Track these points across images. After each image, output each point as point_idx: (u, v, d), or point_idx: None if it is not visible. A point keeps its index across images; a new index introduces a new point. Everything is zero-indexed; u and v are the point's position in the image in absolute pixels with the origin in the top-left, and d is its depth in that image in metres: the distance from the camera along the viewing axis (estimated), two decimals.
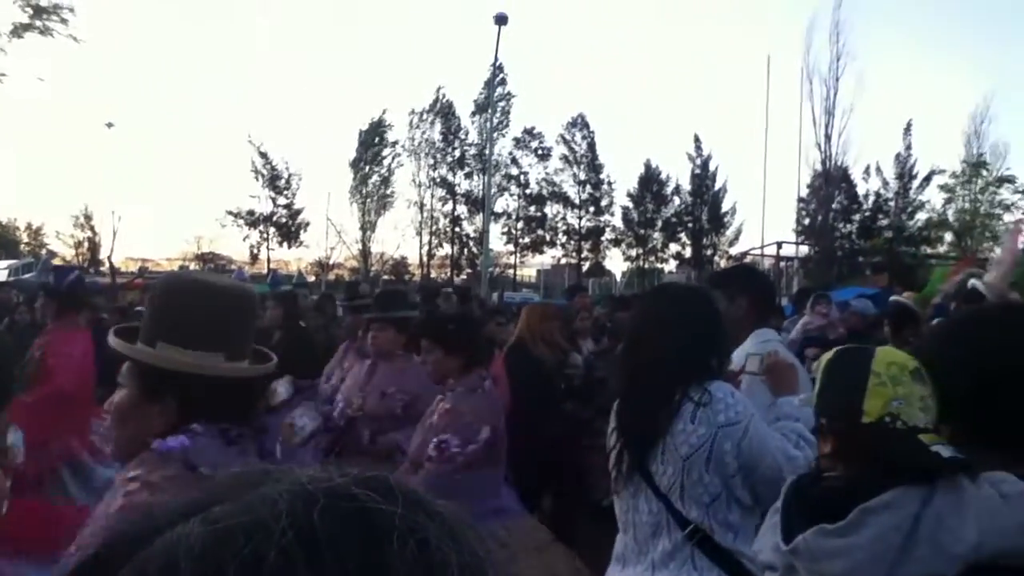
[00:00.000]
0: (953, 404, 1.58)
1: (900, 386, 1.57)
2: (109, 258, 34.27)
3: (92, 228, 43.08)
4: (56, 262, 36.19)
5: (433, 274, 42.56)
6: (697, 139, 41.78)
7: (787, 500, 1.64)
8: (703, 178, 41.76)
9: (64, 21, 20.70)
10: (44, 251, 37.52)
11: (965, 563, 1.35)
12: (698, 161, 41.84)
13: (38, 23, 20.40)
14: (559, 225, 42.91)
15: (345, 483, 0.43)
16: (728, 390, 2.44)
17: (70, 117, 70.90)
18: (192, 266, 40.86)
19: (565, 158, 42.53)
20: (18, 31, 20.27)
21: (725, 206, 42.02)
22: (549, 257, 43.66)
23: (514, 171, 42.08)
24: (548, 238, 42.78)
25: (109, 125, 37.65)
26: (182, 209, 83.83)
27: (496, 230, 40.67)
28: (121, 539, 0.43)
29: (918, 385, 1.58)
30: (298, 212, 41.71)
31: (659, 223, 42.69)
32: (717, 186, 41.88)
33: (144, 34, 71.33)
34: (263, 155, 40.71)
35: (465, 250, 42.31)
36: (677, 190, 42.56)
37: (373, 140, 41.22)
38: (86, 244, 43.81)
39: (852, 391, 1.60)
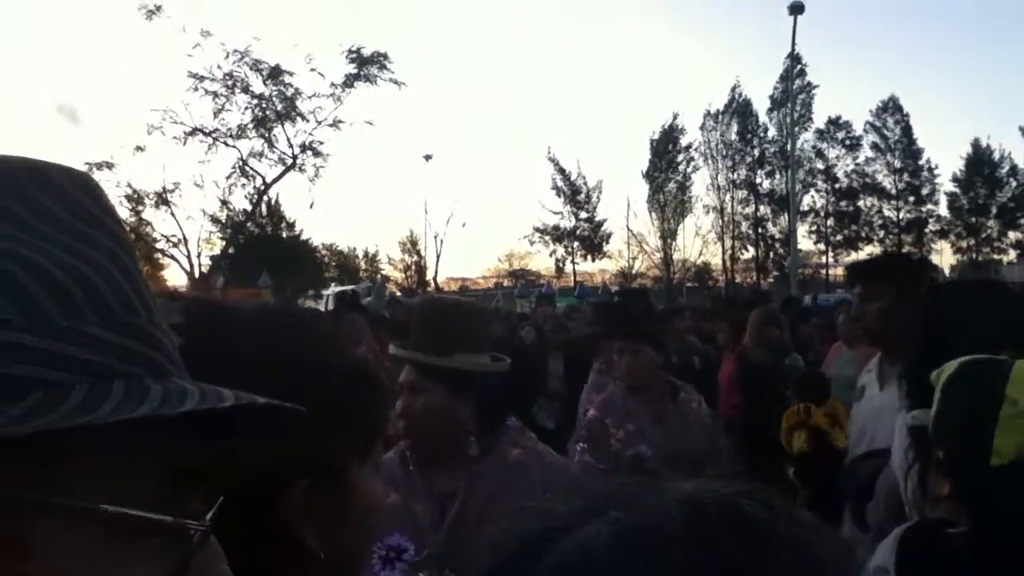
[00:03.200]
0: None
1: None
2: (435, 279, 37.34)
3: (418, 252, 47.16)
4: (390, 286, 40.35)
5: (738, 279, 41.48)
6: None
7: (900, 559, 1.32)
8: None
9: (383, 67, 23.00)
10: (379, 276, 41.69)
11: None
12: None
13: (363, 72, 22.86)
14: (874, 219, 39.98)
15: (730, 494, 0.45)
16: None
17: (393, 152, 78.54)
18: (506, 282, 43.25)
19: (876, 146, 39.63)
20: (349, 81, 22.86)
21: None
22: (865, 254, 40.82)
23: (820, 165, 39.94)
24: (863, 234, 40.01)
25: (427, 157, 41.07)
26: (495, 229, 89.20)
27: (803, 229, 38.82)
28: (524, 540, 0.45)
29: None
30: (600, 224, 42.74)
31: (994, 209, 38.23)
32: None
33: (448, 70, 77.27)
34: (562, 171, 42.26)
35: (771, 252, 40.77)
36: (1013, 171, 37.91)
37: (666, 147, 41.14)
38: (413, 267, 48.00)
39: (978, 421, 1.25)
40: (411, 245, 47.35)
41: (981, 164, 38.32)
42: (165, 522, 0.45)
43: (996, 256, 38.81)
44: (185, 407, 0.44)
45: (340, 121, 23.22)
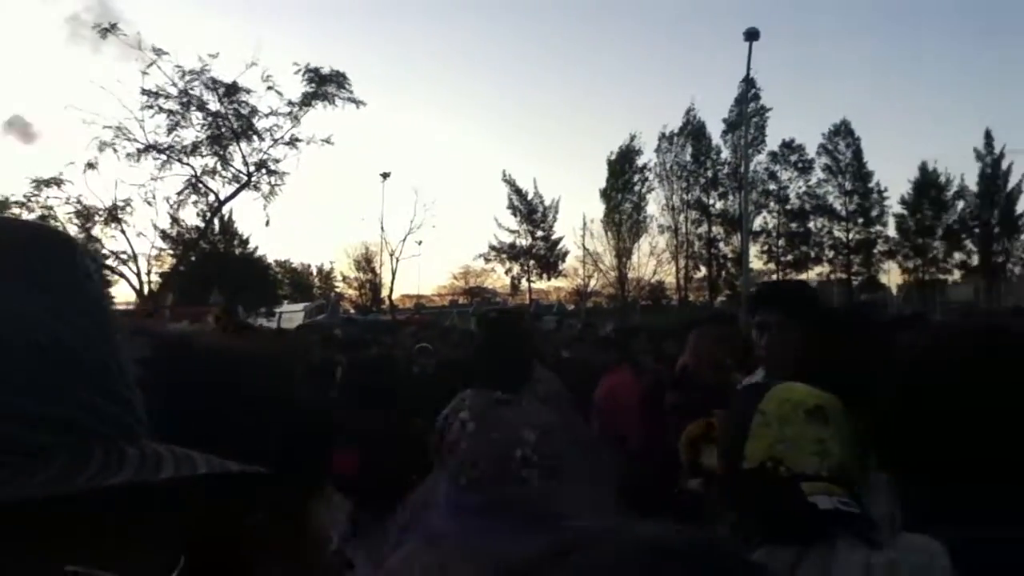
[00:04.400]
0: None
1: (788, 427, 1.35)
2: (389, 297, 37.12)
3: (373, 270, 46.92)
4: (344, 304, 40.05)
5: (691, 297, 41.89)
6: (988, 135, 38.06)
7: None
8: (994, 177, 37.81)
9: (342, 86, 22.89)
10: (333, 294, 41.33)
11: None
12: (988, 159, 38.00)
13: (321, 91, 22.72)
14: (824, 240, 40.72)
15: (691, 540, 0.45)
16: None
17: (351, 170, 78.20)
18: (461, 300, 43.18)
19: (828, 168, 40.45)
20: (307, 100, 22.71)
21: (1020, 207, 37.78)
22: (814, 274, 41.52)
23: (772, 187, 40.61)
24: (813, 254, 40.71)
25: (385, 175, 41.00)
26: (451, 247, 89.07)
27: (755, 249, 39.39)
28: None
29: (814, 427, 1.36)
30: (556, 243, 42.95)
31: (940, 230, 39.16)
32: (1010, 185, 37.79)
33: (408, 90, 77.29)
34: (518, 191, 42.43)
35: (723, 272, 41.30)
36: (960, 193, 38.92)
37: (623, 167, 41.55)
38: (368, 285, 47.69)
39: (738, 431, 1.40)
40: (366, 263, 47.10)
41: (928, 187, 39.24)
42: None
43: (941, 276, 39.70)
44: (163, 475, 0.43)
45: (297, 140, 23.04)
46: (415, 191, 34.33)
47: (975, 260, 38.84)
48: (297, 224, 76.63)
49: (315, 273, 51.84)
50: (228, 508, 0.64)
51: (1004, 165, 37.91)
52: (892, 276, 40.97)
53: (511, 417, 2.69)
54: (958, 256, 39.64)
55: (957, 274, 39.64)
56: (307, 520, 0.80)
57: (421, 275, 58.13)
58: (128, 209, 22.00)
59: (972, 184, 38.64)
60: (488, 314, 5.82)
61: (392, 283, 36.03)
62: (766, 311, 2.92)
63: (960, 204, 39.18)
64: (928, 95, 59.09)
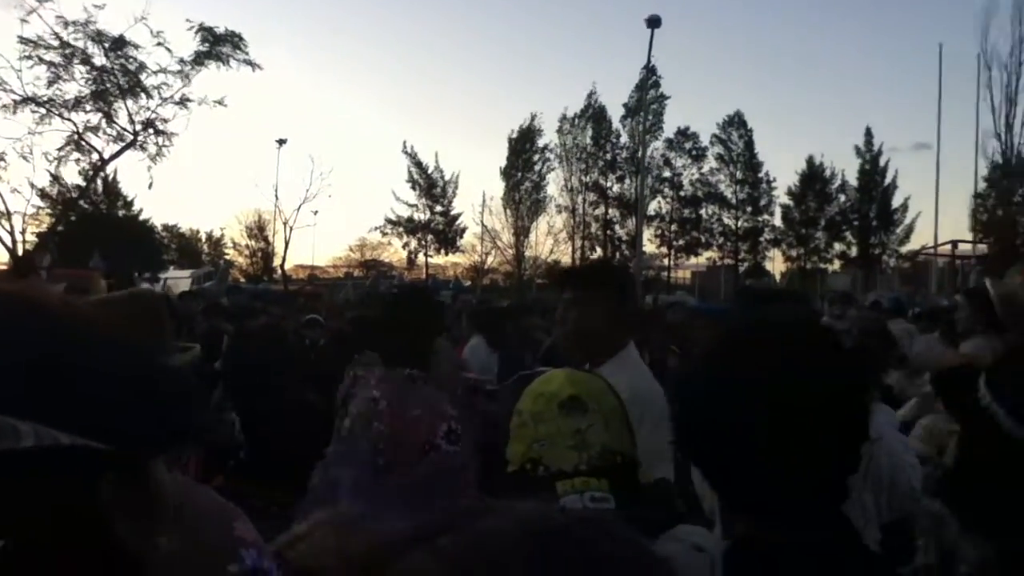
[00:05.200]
0: None
1: (544, 424, 1.31)
2: (282, 266, 36.18)
3: (265, 239, 45.66)
4: (234, 272, 38.76)
5: None
6: (869, 132, 39.86)
7: None
8: (872, 173, 39.67)
9: (237, 48, 22.07)
10: (222, 261, 40.04)
11: None
12: (867, 156, 39.83)
13: (215, 51, 21.85)
14: (715, 226, 41.92)
15: (566, 520, 0.44)
16: None
17: (246, 135, 75.70)
18: (356, 273, 42.56)
19: (721, 157, 41.56)
20: (200, 59, 21.79)
21: (895, 202, 39.79)
22: (704, 259, 42.76)
23: (667, 173, 41.48)
24: (703, 240, 41.87)
25: (281, 142, 39.84)
26: (348, 219, 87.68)
27: (649, 233, 40.24)
28: (349, 562, 0.45)
29: (570, 419, 1.31)
30: (454, 219, 42.75)
31: (822, 222, 40.88)
32: (887, 181, 39.72)
33: (307, 55, 75.34)
34: (418, 164, 41.98)
35: (618, 253, 42.06)
36: (843, 187, 40.68)
37: (523, 146, 41.66)
38: (260, 254, 46.41)
39: (503, 433, 1.36)
40: (258, 230, 45.84)
41: (814, 179, 40.79)
42: None
43: (822, 265, 41.40)
44: None
45: (188, 99, 22.08)
46: (311, 159, 33.45)
47: (854, 251, 40.67)
48: (187, 188, 74.05)
49: (204, 239, 50.20)
50: (67, 476, 0.60)
51: (882, 162, 39.82)
52: (776, 263, 42.54)
53: (429, 395, 2.63)
54: (838, 247, 41.35)
55: (837, 264, 41.42)
56: (157, 483, 0.76)
57: (316, 246, 57.07)
58: (2, 163, 20.72)
59: (853, 179, 40.38)
60: (394, 290, 5.70)
61: (285, 252, 35.21)
62: (566, 289, 2.83)
63: (842, 197, 40.85)
64: (817, 92, 61.56)
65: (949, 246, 30.89)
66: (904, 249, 39.41)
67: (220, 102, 22.14)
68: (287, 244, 34.39)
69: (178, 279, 29.42)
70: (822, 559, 1.13)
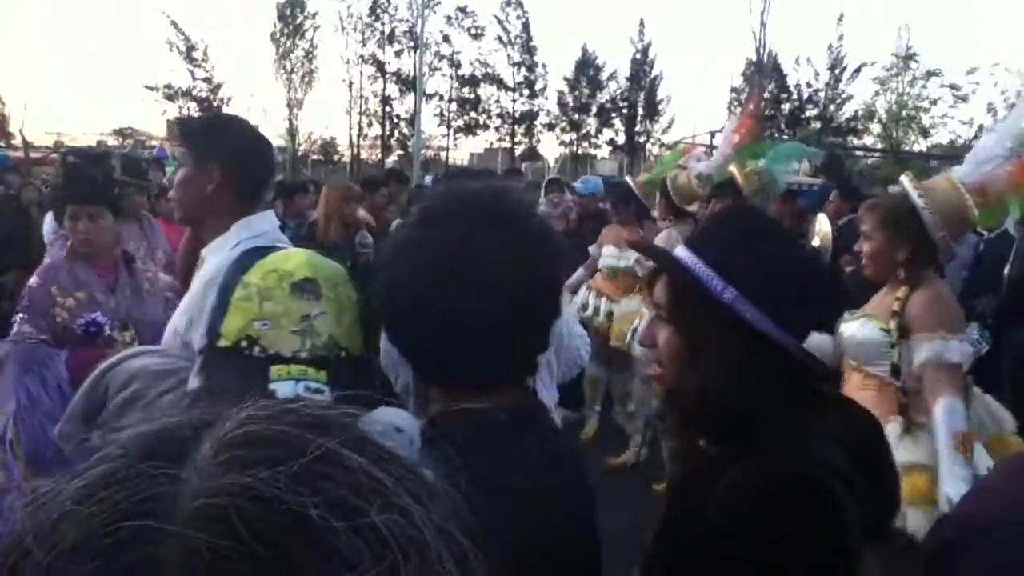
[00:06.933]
0: None
1: (270, 302, 1.25)
2: (21, 131, 32.27)
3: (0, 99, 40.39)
4: None
5: (364, 155, 41.49)
6: (642, 23, 41.01)
7: None
8: (642, 64, 41.16)
9: None
10: None
11: None
12: (639, 46, 41.16)
13: None
14: (493, 108, 42.07)
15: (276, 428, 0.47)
16: None
17: None
18: (110, 141, 38.83)
19: (499, 39, 41.34)
20: None
21: (661, 94, 41.71)
22: (483, 140, 42.99)
23: (446, 50, 40.77)
24: (482, 121, 41.97)
25: None
26: (100, 83, 79.06)
27: (428, 111, 39.66)
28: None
29: (300, 301, 1.25)
30: (218, 87, 39.76)
31: (594, 108, 42.17)
32: (654, 73, 41.43)
33: None
34: (175, 25, 38.37)
35: (396, 131, 41.28)
36: (614, 76, 41.98)
37: (293, 12, 39.12)
38: None
39: (219, 304, 1.29)
40: None
41: (587, 67, 41.76)
42: None
43: (592, 151, 43.05)
44: None
45: None
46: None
47: (621, 138, 42.47)
48: None
49: None
50: None
51: (651, 54, 41.38)
52: (550, 147, 43.63)
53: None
54: (608, 133, 43.03)
55: (606, 150, 43.16)
56: None
57: (64, 111, 51.24)
58: None
59: (623, 69, 41.76)
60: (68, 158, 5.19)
61: (24, 115, 31.39)
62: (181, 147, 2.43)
63: (613, 86, 42.26)
64: None
65: (707, 136, 32.95)
66: (666, 139, 41.68)
67: None
68: (25, 106, 30.67)
69: None
70: (511, 429, 1.17)
